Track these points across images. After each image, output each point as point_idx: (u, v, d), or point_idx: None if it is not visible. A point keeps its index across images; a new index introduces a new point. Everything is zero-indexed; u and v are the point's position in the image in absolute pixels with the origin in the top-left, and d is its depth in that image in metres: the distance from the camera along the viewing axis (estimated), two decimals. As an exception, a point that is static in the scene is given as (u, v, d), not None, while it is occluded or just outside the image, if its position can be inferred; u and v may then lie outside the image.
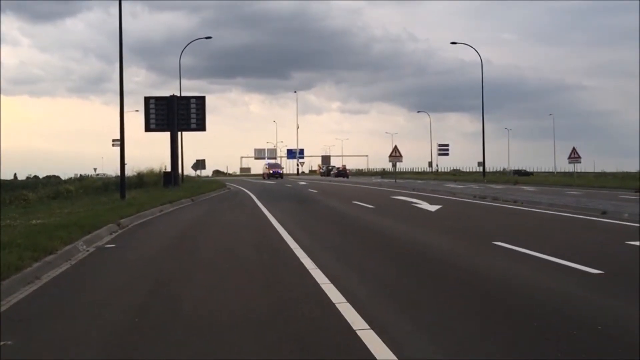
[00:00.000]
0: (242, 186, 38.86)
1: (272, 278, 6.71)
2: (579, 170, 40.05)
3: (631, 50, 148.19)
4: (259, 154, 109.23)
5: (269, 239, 10.21)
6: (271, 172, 64.93)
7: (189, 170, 47.62)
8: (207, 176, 72.53)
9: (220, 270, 7.27)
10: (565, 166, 49.53)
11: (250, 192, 29.70)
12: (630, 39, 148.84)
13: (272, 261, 7.94)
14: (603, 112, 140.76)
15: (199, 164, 50.60)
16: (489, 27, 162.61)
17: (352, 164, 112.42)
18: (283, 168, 78.37)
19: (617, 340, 4.17)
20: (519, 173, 66.15)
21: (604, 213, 13.65)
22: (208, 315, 5.01)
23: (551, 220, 13.04)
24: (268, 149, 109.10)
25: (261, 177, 67.62)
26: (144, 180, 31.60)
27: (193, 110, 33.09)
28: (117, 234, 11.26)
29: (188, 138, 65.53)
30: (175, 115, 32.17)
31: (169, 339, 4.37)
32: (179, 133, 33.89)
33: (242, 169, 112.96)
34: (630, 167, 66.12)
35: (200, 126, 33.46)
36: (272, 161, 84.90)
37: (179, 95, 34.73)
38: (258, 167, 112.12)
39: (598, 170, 68.28)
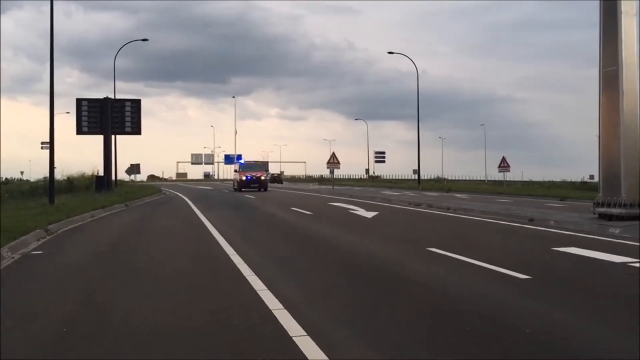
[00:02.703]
0: (178, 191, 38.15)
1: (207, 285, 6.61)
2: (508, 179, 41.65)
3: (558, 65, 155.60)
4: (196, 159, 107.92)
5: (205, 246, 10.06)
6: (245, 178, 37.74)
7: (122, 175, 46.34)
8: (142, 181, 70.79)
9: (154, 278, 7.10)
10: (495, 174, 51.41)
11: (187, 197, 29.18)
12: (556, 55, 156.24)
13: (207, 268, 7.83)
14: (531, 124, 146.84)
15: (134, 169, 49.34)
16: (426, 40, 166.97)
17: (290, 170, 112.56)
18: (267, 172, 49.61)
19: (544, 343, 4.33)
20: None
21: (531, 220, 14.23)
22: (141, 323, 4.87)
23: (482, 227, 13.48)
24: (205, 154, 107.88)
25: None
26: (74, 185, 30.46)
27: (128, 113, 32.30)
28: (45, 240, 10.81)
29: (122, 142, 63.53)
30: (108, 118, 31.29)
31: (100, 348, 4.23)
32: (113, 136, 32.99)
33: (178, 174, 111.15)
34: (555, 176, 69.24)
35: (135, 130, 32.70)
36: (250, 160, 46.62)
37: (113, 97, 33.82)
38: (194, 172, 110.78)
39: (526, 179, 71.08)
